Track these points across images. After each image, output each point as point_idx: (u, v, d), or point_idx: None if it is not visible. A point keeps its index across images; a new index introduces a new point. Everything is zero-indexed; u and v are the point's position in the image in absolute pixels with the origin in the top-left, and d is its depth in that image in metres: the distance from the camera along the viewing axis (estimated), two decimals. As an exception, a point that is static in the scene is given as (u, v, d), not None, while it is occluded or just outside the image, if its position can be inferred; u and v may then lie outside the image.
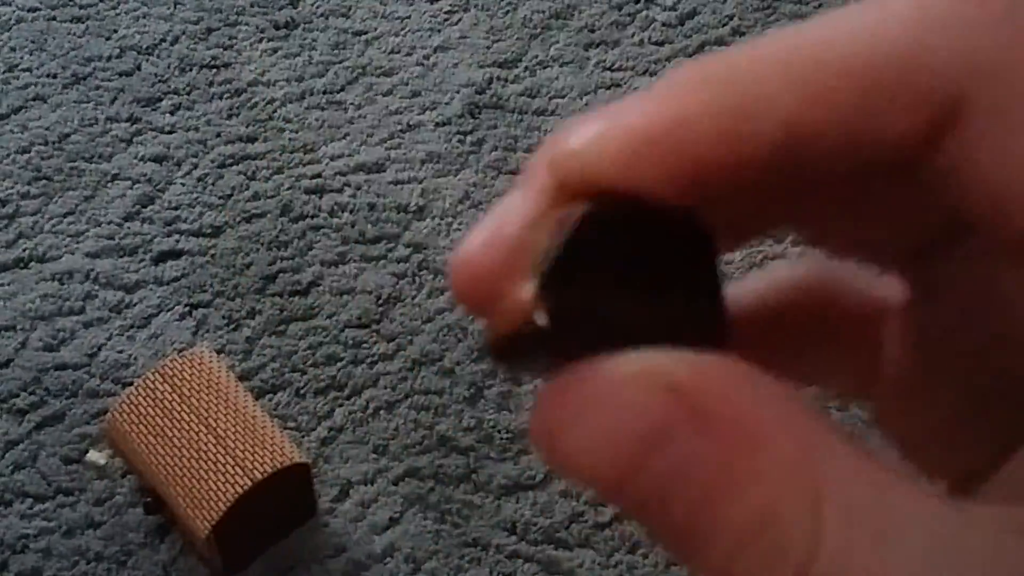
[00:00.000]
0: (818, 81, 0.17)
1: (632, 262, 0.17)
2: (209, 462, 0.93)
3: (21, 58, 1.32)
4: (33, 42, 1.34)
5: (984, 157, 0.17)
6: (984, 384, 0.20)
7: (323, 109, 1.29)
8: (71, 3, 1.37)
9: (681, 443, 0.16)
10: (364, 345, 1.11)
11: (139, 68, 1.32)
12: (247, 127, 1.27)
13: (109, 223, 1.19)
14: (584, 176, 0.18)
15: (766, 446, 0.16)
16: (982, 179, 0.17)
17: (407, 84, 1.31)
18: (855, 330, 0.22)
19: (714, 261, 0.18)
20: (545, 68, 1.33)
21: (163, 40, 1.35)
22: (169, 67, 1.32)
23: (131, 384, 1.01)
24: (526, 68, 1.33)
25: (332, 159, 1.25)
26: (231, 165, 1.24)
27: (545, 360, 0.18)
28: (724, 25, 1.38)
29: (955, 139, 0.17)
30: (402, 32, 1.36)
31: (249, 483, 0.92)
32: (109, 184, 1.22)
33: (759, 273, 0.22)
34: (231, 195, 1.22)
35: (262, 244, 1.18)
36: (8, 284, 1.15)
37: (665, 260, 0.18)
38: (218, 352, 1.08)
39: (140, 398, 0.97)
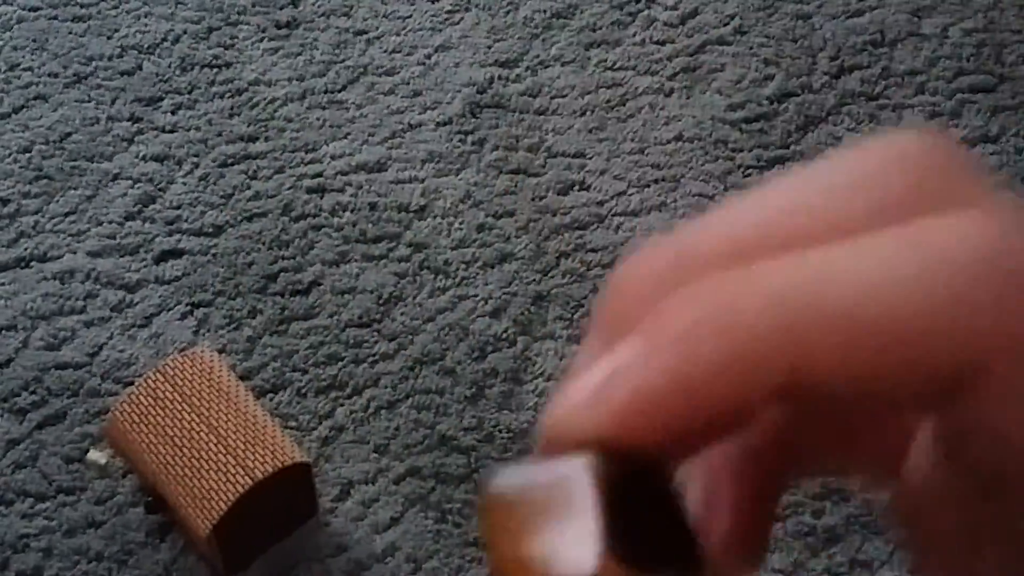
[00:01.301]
0: (827, 336, 0.17)
1: (636, 518, 0.18)
2: (210, 461, 0.93)
3: (23, 57, 1.32)
4: (34, 41, 1.34)
5: (1003, 419, 0.17)
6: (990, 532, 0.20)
7: (324, 108, 1.29)
8: (72, 2, 1.37)
9: None
10: (365, 344, 1.11)
11: (140, 67, 1.32)
12: (248, 126, 1.27)
13: (110, 222, 1.19)
14: (576, 440, 0.18)
15: None
16: (1002, 436, 0.17)
17: (408, 83, 1.31)
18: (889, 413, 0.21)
19: (678, 499, 0.19)
20: (546, 67, 1.33)
21: (164, 39, 1.35)
22: (170, 66, 1.32)
23: (132, 383, 1.01)
24: (527, 67, 1.33)
25: (333, 158, 1.25)
26: (232, 164, 1.24)
27: None
28: (726, 25, 1.38)
29: (973, 403, 0.17)
30: (403, 31, 1.36)
31: (250, 482, 0.92)
32: (110, 183, 1.22)
33: None
34: (232, 194, 1.22)
35: (263, 243, 1.18)
36: (9, 283, 1.15)
37: (654, 509, 0.19)
38: (219, 351, 1.08)
39: (141, 397, 0.97)
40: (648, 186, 1.23)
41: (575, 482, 0.18)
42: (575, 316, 1.14)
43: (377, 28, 1.37)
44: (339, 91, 1.31)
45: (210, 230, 1.19)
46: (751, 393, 0.18)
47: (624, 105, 1.30)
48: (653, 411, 0.18)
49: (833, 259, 0.18)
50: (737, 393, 0.18)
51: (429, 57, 1.34)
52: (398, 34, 1.36)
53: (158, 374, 0.98)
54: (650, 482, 0.19)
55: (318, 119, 1.28)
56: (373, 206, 1.21)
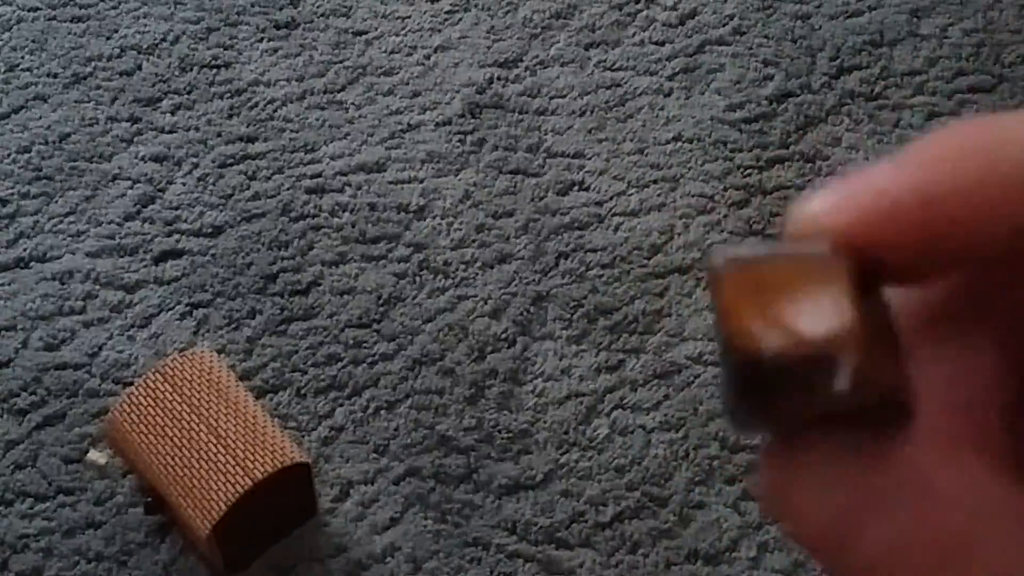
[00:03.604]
0: None
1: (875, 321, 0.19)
2: (210, 462, 0.93)
3: (22, 58, 1.32)
4: (34, 42, 1.34)
5: None
6: None
7: (323, 109, 1.29)
8: (72, 3, 1.37)
9: (902, 517, 0.17)
10: (365, 345, 1.11)
11: (140, 68, 1.32)
12: (247, 127, 1.27)
13: (110, 223, 1.19)
14: (819, 231, 0.19)
15: (985, 559, 0.16)
16: None
17: (407, 84, 1.31)
18: None
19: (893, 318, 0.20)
20: (546, 68, 1.34)
21: (163, 40, 1.35)
22: (169, 67, 1.32)
23: (132, 384, 1.01)
24: (527, 68, 1.33)
25: (332, 159, 1.25)
26: (232, 165, 1.24)
27: (785, 408, 0.18)
28: (724, 25, 1.38)
29: None
30: (402, 32, 1.36)
31: (250, 483, 0.92)
32: (110, 184, 1.22)
33: None
34: (232, 195, 1.22)
35: (263, 244, 1.18)
36: (9, 284, 1.15)
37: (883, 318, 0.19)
38: (219, 352, 1.08)
39: (141, 398, 0.97)
40: (647, 186, 1.23)
41: (825, 259, 0.19)
42: (575, 316, 1.14)
43: (376, 28, 1.37)
44: (338, 91, 1.31)
45: (209, 230, 1.19)
46: (992, 222, 0.18)
47: (623, 105, 1.30)
48: (891, 216, 0.18)
49: None
50: (977, 218, 0.18)
51: (428, 57, 1.34)
52: (397, 34, 1.36)
53: (157, 374, 0.98)
54: (875, 292, 0.19)
55: (317, 119, 1.28)
56: (372, 206, 1.21)
